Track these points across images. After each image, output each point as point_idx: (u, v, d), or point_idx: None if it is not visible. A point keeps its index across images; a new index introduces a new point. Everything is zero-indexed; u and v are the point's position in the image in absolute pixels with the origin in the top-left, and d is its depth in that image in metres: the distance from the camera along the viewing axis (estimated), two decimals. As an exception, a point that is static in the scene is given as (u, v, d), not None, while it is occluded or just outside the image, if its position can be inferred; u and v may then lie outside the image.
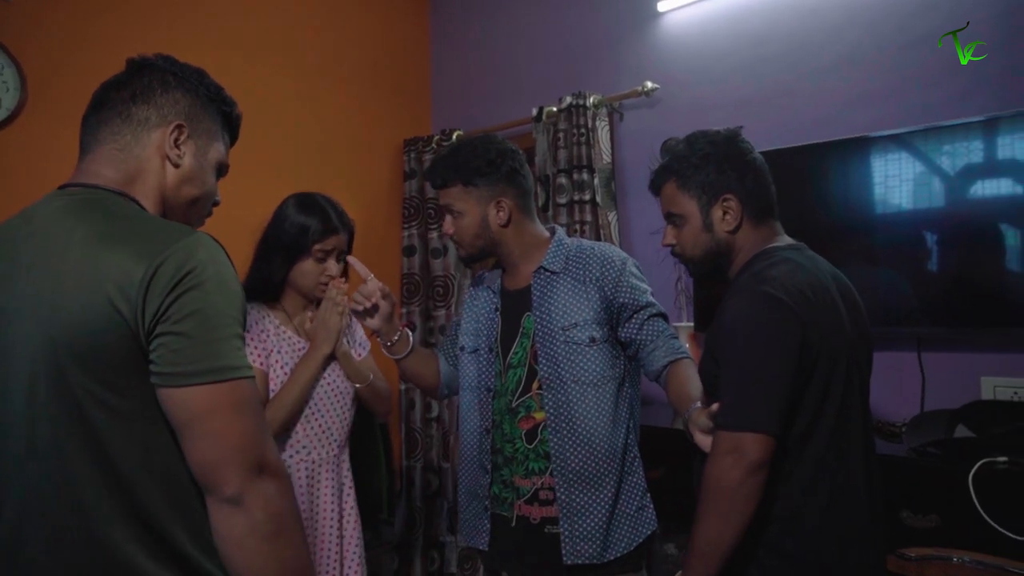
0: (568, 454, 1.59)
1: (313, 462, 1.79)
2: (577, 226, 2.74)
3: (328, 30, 3.18)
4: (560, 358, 1.61)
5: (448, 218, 1.69)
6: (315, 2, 3.14)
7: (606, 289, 1.63)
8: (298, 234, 1.78)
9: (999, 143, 1.96)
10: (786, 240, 1.44)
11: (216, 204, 1.17)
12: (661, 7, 2.72)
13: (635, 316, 1.62)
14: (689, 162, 1.44)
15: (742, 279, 1.36)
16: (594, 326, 1.61)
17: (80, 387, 0.92)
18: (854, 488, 1.29)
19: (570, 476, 1.58)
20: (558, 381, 1.60)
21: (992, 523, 1.54)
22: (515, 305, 1.70)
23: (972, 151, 2.00)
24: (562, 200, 2.80)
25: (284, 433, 1.77)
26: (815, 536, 1.27)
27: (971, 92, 2.07)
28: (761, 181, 1.43)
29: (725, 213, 1.41)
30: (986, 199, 1.99)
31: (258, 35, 2.92)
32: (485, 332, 1.72)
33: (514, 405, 1.65)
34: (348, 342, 1.89)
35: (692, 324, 2.52)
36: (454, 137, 3.20)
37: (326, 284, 1.82)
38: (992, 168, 1.98)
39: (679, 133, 2.60)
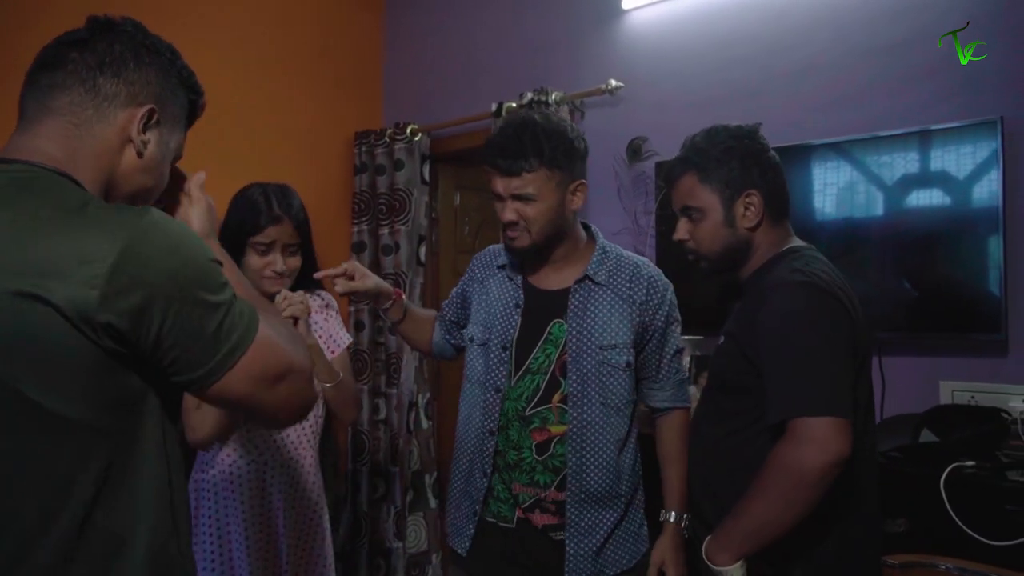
0: (587, 473, 1.52)
1: (264, 466, 1.67)
2: (537, 225, 2.68)
3: (276, 16, 3.03)
4: (590, 376, 1.53)
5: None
6: (264, -17, 2.99)
7: (647, 314, 1.57)
8: (233, 230, 1.67)
9: (934, 153, 2.02)
10: (801, 241, 1.43)
11: (160, 192, 1.04)
12: (626, 4, 2.69)
13: (660, 347, 1.59)
14: (710, 155, 1.40)
15: (776, 275, 1.33)
16: (631, 350, 1.56)
17: (22, 394, 0.80)
18: (870, 491, 1.29)
19: (584, 496, 1.53)
20: (585, 399, 1.53)
21: (965, 528, 1.56)
22: (543, 308, 1.58)
23: (909, 161, 2.05)
24: (522, 198, 2.74)
25: (232, 432, 1.64)
26: (841, 538, 1.27)
27: (940, 97, 2.10)
28: (780, 179, 1.42)
29: (747, 209, 1.39)
30: (941, 206, 2.03)
31: (201, 20, 2.75)
32: (499, 328, 1.60)
33: (528, 413, 1.55)
34: (315, 335, 1.76)
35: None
36: (408, 131, 3.10)
37: (270, 279, 1.67)
38: (942, 176, 2.02)
39: (642, 133, 2.61)
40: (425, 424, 3.08)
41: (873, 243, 2.12)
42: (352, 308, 3.22)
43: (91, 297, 0.78)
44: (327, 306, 1.86)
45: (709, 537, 1.29)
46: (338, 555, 3.13)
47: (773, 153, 1.43)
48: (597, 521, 1.54)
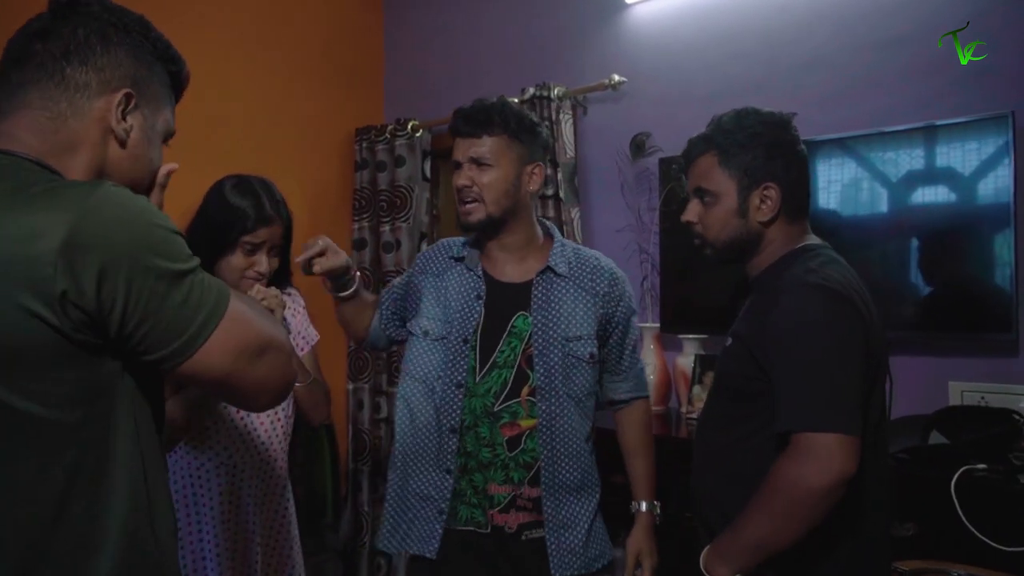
0: (560, 466, 1.52)
1: (235, 467, 1.62)
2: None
3: (277, 12, 3.00)
4: (555, 368, 1.53)
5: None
6: (263, -22, 2.95)
7: (609, 306, 1.60)
8: (226, 223, 1.59)
9: (940, 148, 1.98)
10: (817, 239, 1.37)
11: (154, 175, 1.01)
12: (629, -1, 2.65)
13: (622, 339, 1.64)
14: (736, 138, 1.33)
15: (789, 275, 1.27)
16: (594, 341, 1.57)
17: None
18: (883, 501, 1.25)
19: (559, 489, 1.52)
20: (552, 392, 1.52)
21: (977, 533, 1.52)
22: (506, 300, 1.56)
23: (915, 157, 2.01)
24: (524, 195, 2.70)
25: (198, 433, 1.59)
26: (851, 552, 1.23)
27: (946, 92, 2.06)
28: (804, 176, 1.36)
29: (763, 202, 1.32)
30: (948, 203, 1.99)
31: (201, 17, 2.72)
32: (459, 320, 1.56)
33: (496, 409, 1.53)
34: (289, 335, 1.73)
35: (658, 325, 2.46)
36: (409, 127, 3.07)
37: (249, 279, 1.61)
38: (949, 172, 1.98)
39: (645, 128, 2.57)
40: (426, 423, 3.05)
41: (878, 241, 2.09)
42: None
43: (47, 272, 0.74)
44: (295, 303, 1.80)
45: (708, 548, 1.26)
46: (340, 554, 3.12)
47: (803, 147, 1.36)
48: (575, 514, 1.54)
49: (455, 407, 1.53)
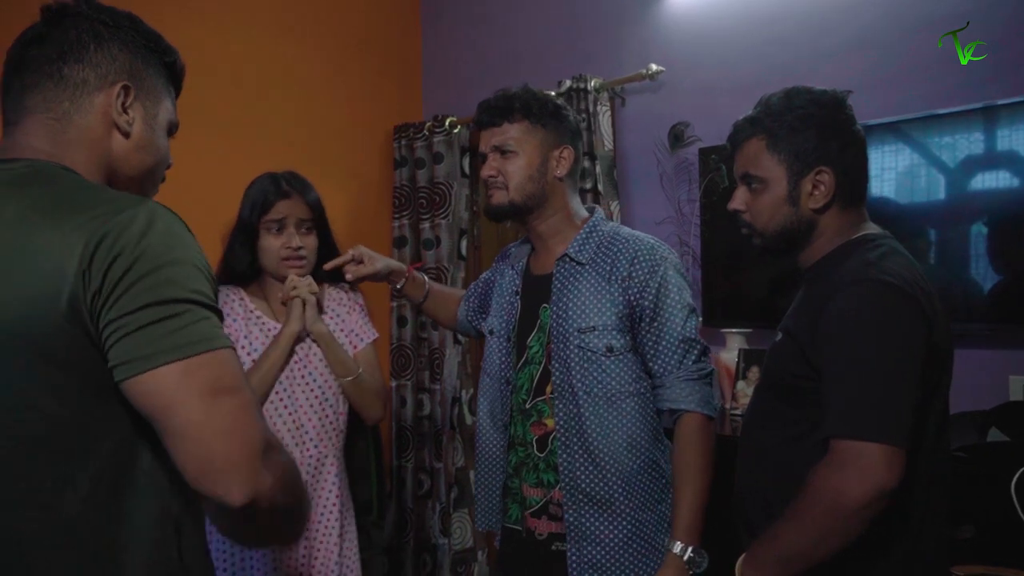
0: (577, 472, 1.43)
1: None
2: (578, 216, 2.61)
3: (314, 10, 3.02)
4: (571, 364, 1.43)
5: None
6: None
7: (632, 291, 1.41)
8: (247, 212, 1.68)
9: (1000, 131, 1.88)
10: (877, 227, 1.28)
11: (168, 167, 1.02)
12: (666, -14, 2.59)
13: (655, 331, 1.40)
14: (785, 120, 1.24)
15: (846, 267, 1.18)
16: (614, 333, 1.42)
17: (15, 391, 0.79)
18: (939, 511, 1.18)
19: (578, 496, 1.43)
20: (569, 390, 1.44)
21: (1039, 536, 1.44)
22: (535, 292, 1.54)
23: (973, 141, 1.91)
24: (562, 189, 2.67)
25: None
26: (904, 561, 1.16)
27: (1004, 70, 1.95)
28: (861, 159, 1.26)
29: (815, 188, 1.23)
30: (1009, 188, 1.89)
31: (239, 13, 2.76)
32: (504, 316, 1.59)
33: (527, 406, 1.50)
34: (337, 328, 1.73)
35: (700, 319, 2.39)
36: (446, 124, 3.06)
37: (288, 259, 1.66)
38: (1010, 155, 1.88)
39: (684, 118, 2.51)
40: (468, 420, 3.05)
41: (936, 229, 1.99)
42: (394, 304, 3.20)
43: (80, 278, 0.76)
44: (350, 299, 1.82)
45: (743, 556, 1.20)
46: (385, 551, 3.15)
47: (859, 128, 1.27)
48: (598, 528, 1.41)
49: (505, 402, 1.54)
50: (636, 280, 1.42)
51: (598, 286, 1.45)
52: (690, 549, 1.36)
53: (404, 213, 3.21)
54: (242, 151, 2.62)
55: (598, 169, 2.60)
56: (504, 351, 1.55)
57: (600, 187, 2.59)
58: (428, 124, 3.13)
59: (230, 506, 0.76)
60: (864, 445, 1.05)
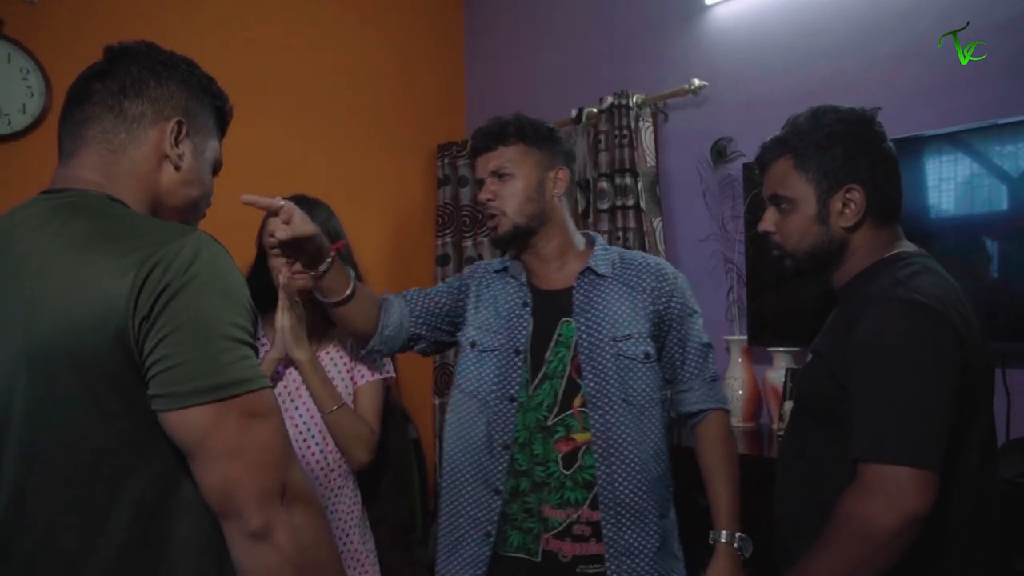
0: (618, 483, 1.41)
1: None
2: (620, 233, 2.59)
3: (359, 31, 3.09)
4: (608, 373, 1.44)
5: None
6: (344, 6, 3.05)
7: (659, 302, 1.50)
8: (260, 233, 1.68)
9: None
10: (911, 245, 1.24)
11: (209, 204, 1.06)
12: (708, 0, 2.56)
13: (681, 341, 1.52)
14: (812, 139, 1.22)
15: (877, 286, 1.15)
16: (648, 340, 1.48)
17: (63, 415, 0.81)
18: (987, 536, 1.11)
19: (619, 509, 1.41)
20: (605, 399, 1.43)
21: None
22: (550, 307, 1.51)
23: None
24: (603, 206, 2.65)
25: None
26: None
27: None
28: (892, 176, 1.24)
29: (845, 206, 1.21)
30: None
31: (288, 38, 2.83)
32: (509, 331, 1.51)
33: (550, 423, 1.46)
34: (338, 356, 1.66)
35: (746, 337, 2.34)
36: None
37: (294, 275, 1.56)
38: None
39: (728, 134, 2.47)
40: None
41: (997, 242, 1.91)
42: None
43: (121, 304, 0.78)
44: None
45: None
46: (429, 568, 3.13)
47: (890, 145, 1.24)
48: (637, 541, 1.41)
49: (508, 422, 1.46)
50: (663, 292, 1.51)
51: (627, 296, 1.49)
52: (737, 535, 1.45)
53: (447, 231, 3.23)
54: (287, 169, 2.68)
55: (640, 186, 2.57)
56: (509, 367, 1.48)
57: (643, 204, 2.56)
58: (471, 143, 3.14)
59: (248, 530, 0.80)
60: (893, 469, 1.01)
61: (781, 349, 2.27)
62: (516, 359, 1.48)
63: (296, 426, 1.60)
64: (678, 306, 1.51)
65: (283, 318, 1.55)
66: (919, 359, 1.05)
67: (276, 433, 0.85)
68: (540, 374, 1.47)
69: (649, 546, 1.42)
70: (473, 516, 1.48)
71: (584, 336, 1.46)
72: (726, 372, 2.37)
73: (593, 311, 1.48)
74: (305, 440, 1.60)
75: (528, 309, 1.52)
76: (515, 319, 1.51)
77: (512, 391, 1.47)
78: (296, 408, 1.61)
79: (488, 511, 1.46)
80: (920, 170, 2.02)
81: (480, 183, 1.56)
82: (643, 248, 2.56)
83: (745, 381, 2.32)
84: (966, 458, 1.10)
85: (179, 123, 0.96)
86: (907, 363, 1.05)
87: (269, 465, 0.83)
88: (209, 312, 0.81)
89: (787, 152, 1.25)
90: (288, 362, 1.61)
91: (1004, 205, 1.91)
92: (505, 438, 1.46)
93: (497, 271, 1.61)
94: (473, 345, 1.53)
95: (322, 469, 1.61)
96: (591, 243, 1.59)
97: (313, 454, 1.60)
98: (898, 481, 1.00)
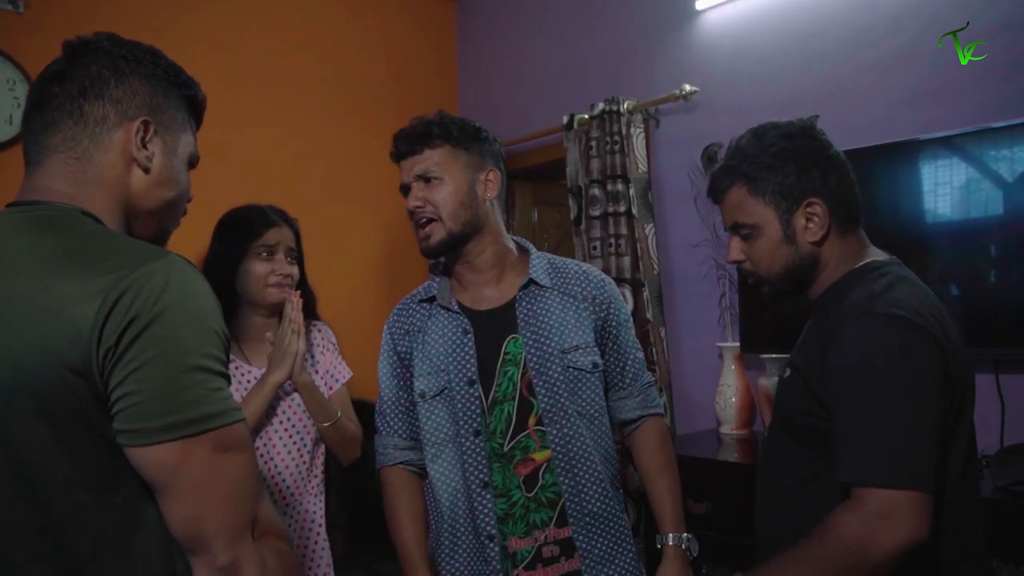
0: (584, 495, 1.38)
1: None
2: (612, 240, 2.57)
3: (352, 34, 3.08)
4: (559, 387, 1.38)
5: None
6: (337, 10, 3.05)
7: (600, 310, 1.46)
8: (228, 243, 1.60)
9: None
10: (881, 252, 1.22)
11: (189, 200, 1.00)
12: (699, 5, 2.54)
13: (620, 348, 1.48)
14: (761, 161, 1.19)
15: (851, 301, 1.12)
16: (595, 349, 1.43)
17: (24, 444, 0.77)
18: (969, 551, 1.09)
19: (588, 519, 1.38)
20: (561, 413, 1.38)
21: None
22: (492, 328, 1.42)
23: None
24: (595, 212, 2.64)
25: None
26: None
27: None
28: (846, 181, 1.21)
29: (809, 221, 1.18)
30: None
31: (280, 44, 2.83)
32: (455, 363, 1.41)
33: (507, 449, 1.39)
34: (312, 371, 1.66)
35: (738, 344, 2.32)
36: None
37: (276, 285, 1.59)
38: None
39: (720, 139, 2.45)
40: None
41: (994, 247, 1.89)
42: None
43: (85, 333, 0.74)
44: (324, 338, 1.74)
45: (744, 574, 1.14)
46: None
47: (836, 150, 1.22)
48: (611, 548, 1.39)
49: (480, 458, 1.38)
50: (602, 299, 1.47)
51: (569, 306, 1.44)
52: (684, 536, 1.45)
53: (441, 239, 3.21)
54: (279, 183, 2.67)
55: (632, 192, 2.55)
56: (467, 400, 1.39)
57: (635, 210, 2.55)
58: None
59: (215, 566, 0.77)
60: (893, 494, 0.98)
61: (774, 355, 2.25)
62: (470, 390, 1.40)
63: (287, 445, 1.62)
64: (616, 314, 1.48)
65: (298, 343, 1.55)
66: (903, 376, 1.02)
67: (247, 466, 0.81)
68: (490, 399, 1.40)
69: (620, 551, 1.41)
70: (477, 572, 1.40)
71: (533, 351, 1.40)
72: (719, 379, 2.35)
73: (539, 324, 1.41)
74: (298, 448, 1.64)
75: (470, 336, 1.42)
76: (458, 350, 1.42)
77: (474, 424, 1.39)
78: (288, 419, 1.63)
79: (490, 559, 1.37)
80: (916, 175, 2.00)
81: (404, 189, 1.43)
82: (636, 255, 2.54)
83: (738, 388, 2.30)
84: (951, 470, 1.07)
85: (145, 123, 0.89)
86: (891, 380, 1.02)
87: (239, 499, 0.79)
88: (180, 345, 0.77)
89: (739, 179, 1.22)
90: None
91: (1000, 210, 1.89)
92: (482, 476, 1.38)
93: (423, 301, 1.50)
94: (423, 396, 1.45)
95: (303, 476, 1.65)
96: (524, 250, 1.51)
97: (304, 461, 1.65)
98: (900, 507, 0.97)
